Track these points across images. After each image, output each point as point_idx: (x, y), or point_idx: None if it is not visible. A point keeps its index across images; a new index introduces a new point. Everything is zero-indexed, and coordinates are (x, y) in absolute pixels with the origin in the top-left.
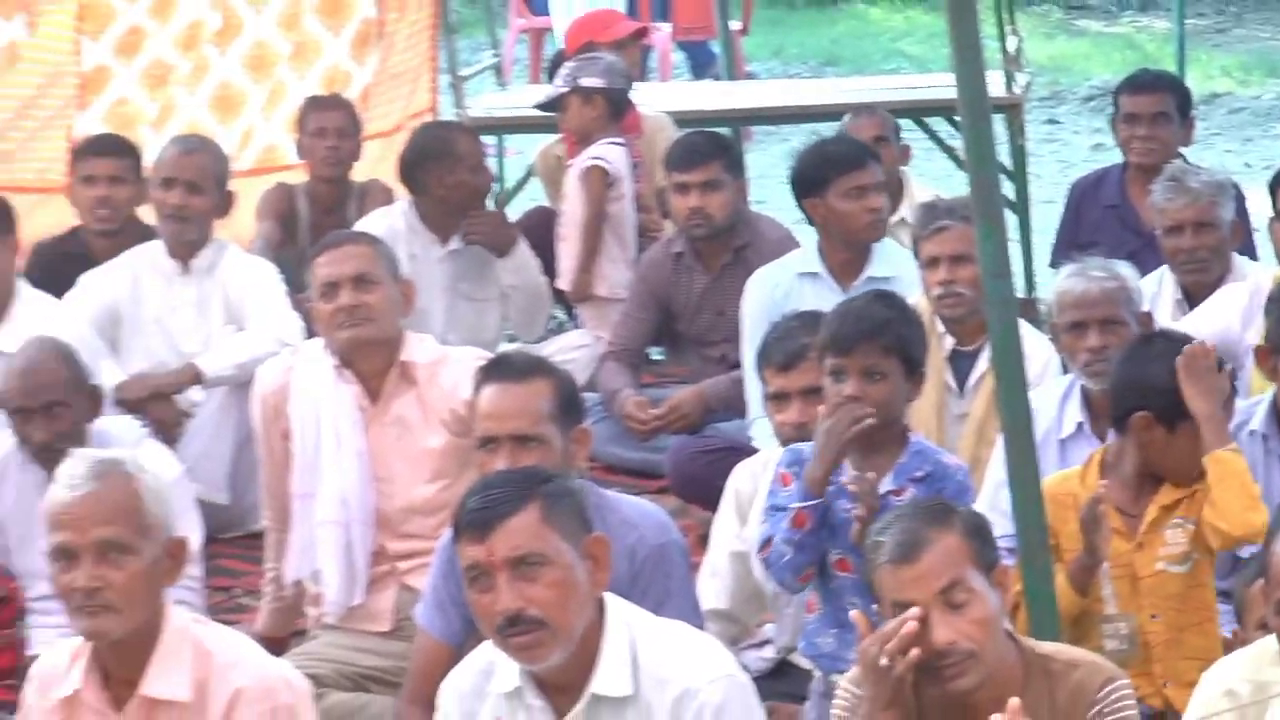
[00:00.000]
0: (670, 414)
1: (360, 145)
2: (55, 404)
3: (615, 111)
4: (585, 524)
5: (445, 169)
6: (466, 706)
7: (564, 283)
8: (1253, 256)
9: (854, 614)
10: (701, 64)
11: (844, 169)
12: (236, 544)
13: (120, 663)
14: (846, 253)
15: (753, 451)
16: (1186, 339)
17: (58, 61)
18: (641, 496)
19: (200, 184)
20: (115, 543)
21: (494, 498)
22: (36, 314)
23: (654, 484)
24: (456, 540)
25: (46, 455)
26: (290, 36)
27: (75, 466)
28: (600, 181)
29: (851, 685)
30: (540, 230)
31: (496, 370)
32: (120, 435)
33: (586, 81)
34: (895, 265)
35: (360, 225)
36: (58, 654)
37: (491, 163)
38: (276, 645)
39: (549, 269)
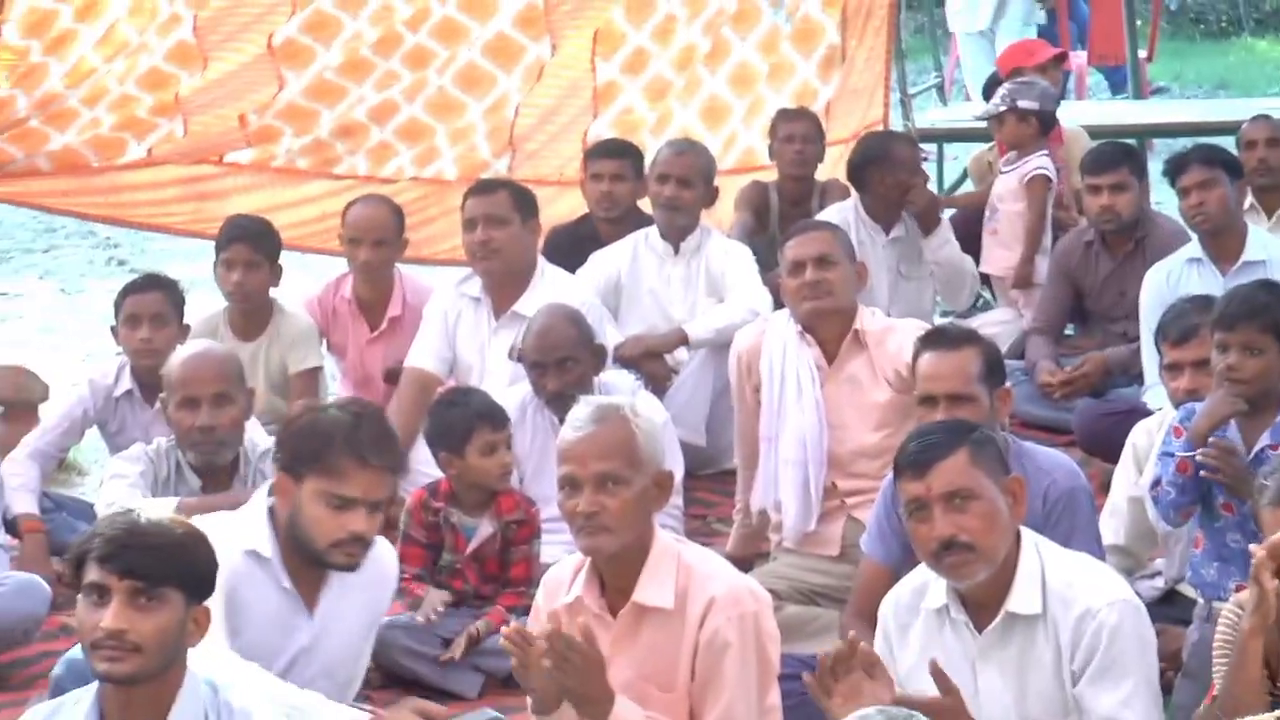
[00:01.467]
0: (1079, 378)
1: (823, 150)
2: (566, 359)
3: (1045, 128)
4: (1005, 467)
5: (885, 170)
6: (902, 619)
7: (990, 268)
8: None
9: (1253, 546)
10: (1116, 84)
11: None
12: (711, 479)
13: (615, 574)
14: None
15: (1149, 413)
16: None
17: (575, 77)
18: (1054, 449)
19: (690, 179)
20: (611, 475)
21: (930, 443)
22: (553, 285)
23: (1063, 439)
24: (898, 479)
25: (557, 402)
26: (768, 59)
27: (581, 411)
28: (1044, 189)
29: (1236, 607)
30: (969, 224)
31: (935, 339)
32: (619, 386)
33: (1024, 103)
34: (1265, 249)
35: (820, 217)
36: (563, 567)
37: (932, 166)
38: (743, 565)
39: (976, 256)
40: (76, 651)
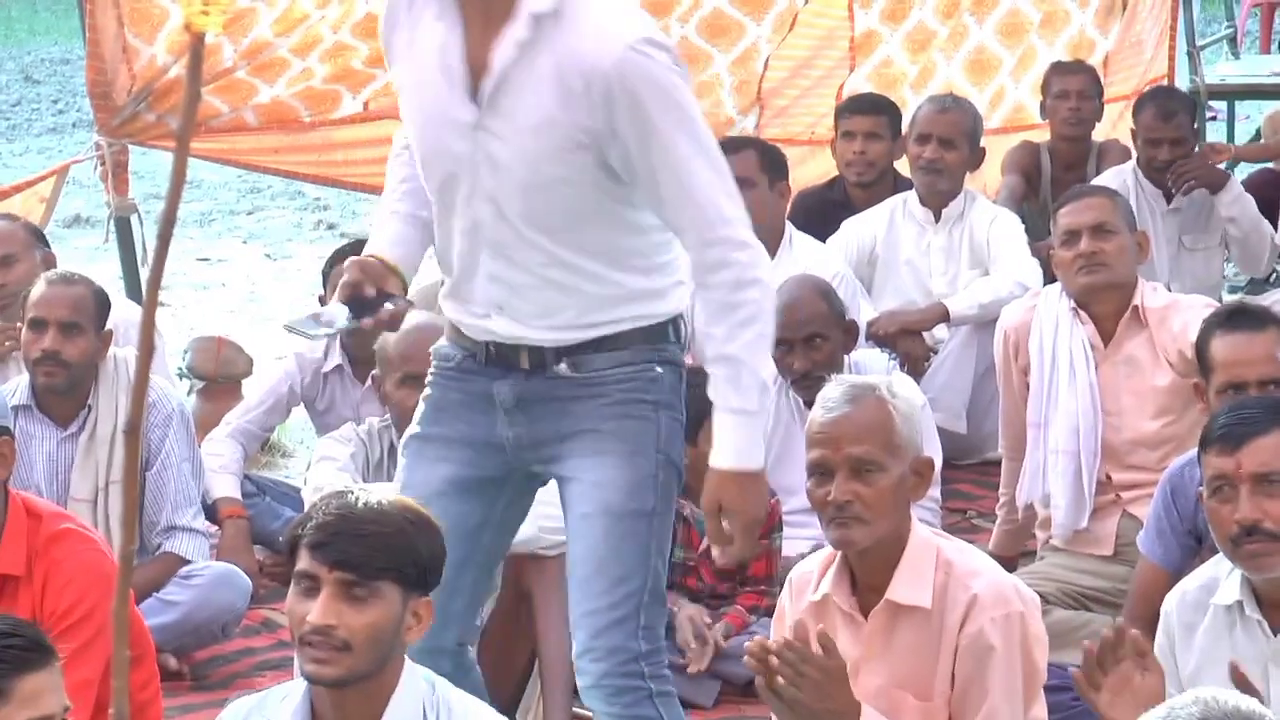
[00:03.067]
0: None
1: (1101, 107)
2: (815, 336)
3: None
4: None
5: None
6: (1187, 617)
7: None
8: None
9: None
10: None
11: None
12: (972, 470)
13: (868, 570)
14: None
15: None
16: None
17: (831, 26)
18: None
19: (953, 140)
20: (866, 460)
21: (1247, 417)
22: (801, 254)
23: None
24: (1204, 451)
25: (804, 383)
26: (1041, 6)
27: (833, 391)
28: None
29: None
30: (1267, 189)
31: (1235, 320)
32: (872, 366)
33: None
34: None
35: (1096, 182)
36: (811, 562)
37: (1221, 126)
38: (1006, 564)
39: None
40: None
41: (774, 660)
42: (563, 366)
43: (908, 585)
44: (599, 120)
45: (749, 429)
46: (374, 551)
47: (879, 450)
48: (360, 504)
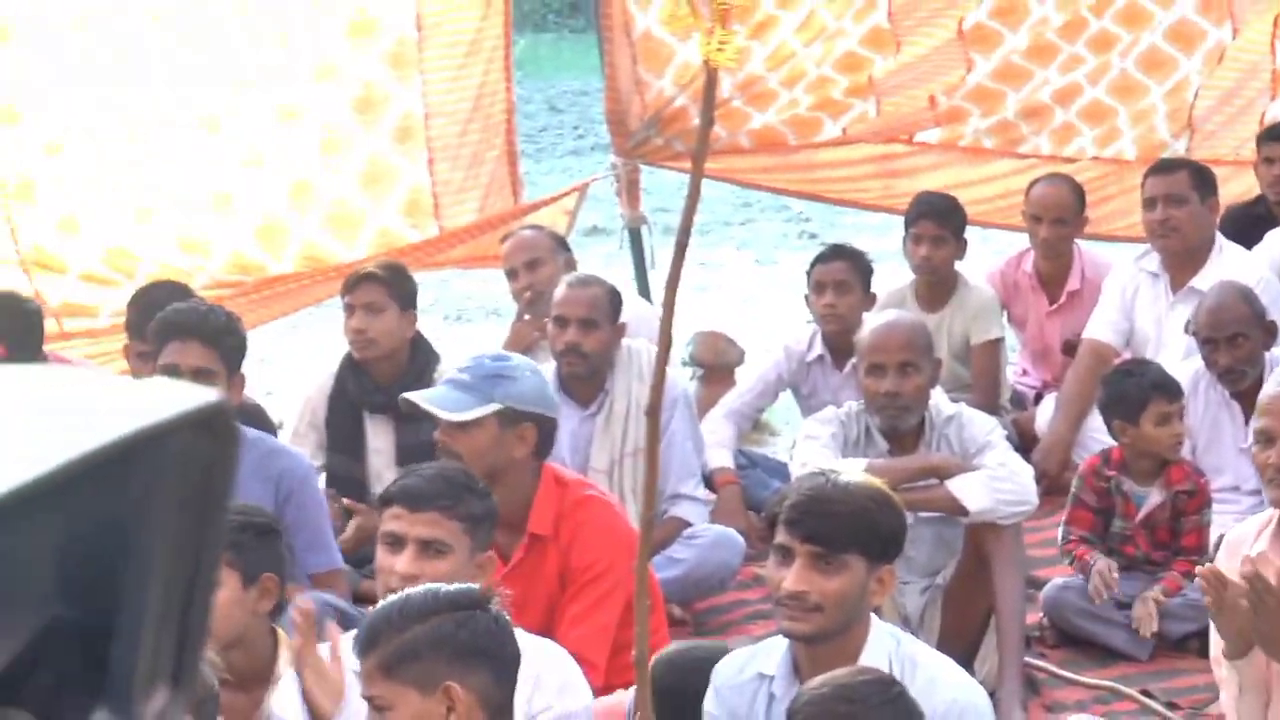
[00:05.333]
0: None
1: None
2: (1238, 335)
3: None
4: None
5: None
6: None
7: None
8: None
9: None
10: None
11: None
12: None
13: None
14: None
15: None
16: None
17: (1255, 60)
18: None
19: None
20: None
21: None
22: (1229, 262)
23: None
24: None
25: (1228, 377)
26: None
27: None
28: None
29: None
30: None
31: None
32: None
33: None
34: None
35: None
36: (1246, 525)
37: None
38: None
39: None
40: None
41: (1236, 586)
42: None
43: None
44: None
45: None
46: (840, 529)
47: None
48: (829, 485)
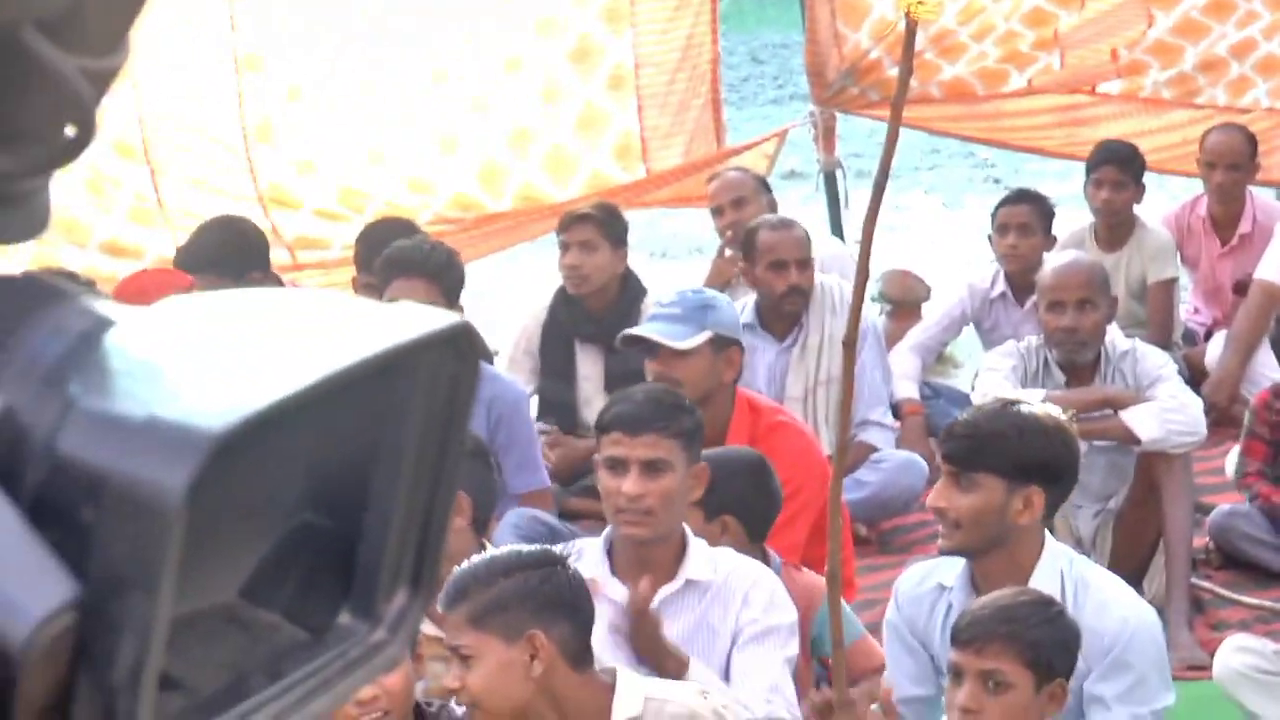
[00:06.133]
0: None
1: None
2: None
3: None
4: None
5: None
6: None
7: None
8: None
9: None
10: None
11: None
12: None
13: None
14: None
15: None
16: None
17: None
18: None
19: None
20: None
21: None
22: None
23: None
24: None
25: None
26: None
27: None
28: None
29: None
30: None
31: None
32: None
33: None
34: None
35: None
36: None
37: None
38: None
39: None
40: None
41: None
42: None
43: None
44: None
45: None
46: (971, 449)
47: None
48: (981, 411)
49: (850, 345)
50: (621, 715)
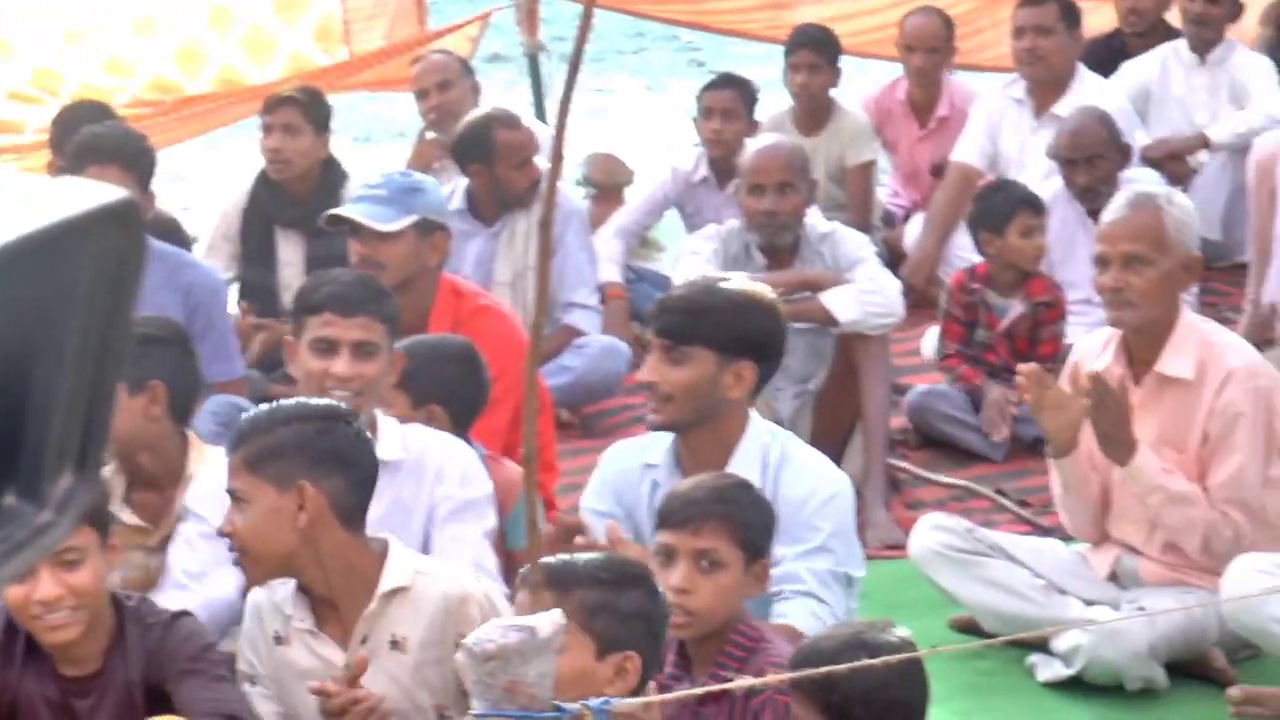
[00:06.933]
0: None
1: None
2: (1095, 156)
3: None
4: None
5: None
6: None
7: None
8: None
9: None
10: None
11: None
12: (1224, 271)
13: (1141, 346)
14: None
15: None
16: None
17: None
18: None
19: None
20: (1137, 255)
21: None
22: (1090, 90)
23: None
24: None
25: (1086, 196)
26: None
27: (1120, 198)
28: None
29: None
30: None
31: None
32: (1143, 182)
33: None
34: None
35: None
36: (1095, 337)
37: None
38: None
39: None
40: None
41: (1056, 388)
42: None
43: (1174, 360)
44: None
45: None
46: (683, 322)
47: (1149, 248)
48: (689, 286)
49: (546, 226)
50: (389, 584)
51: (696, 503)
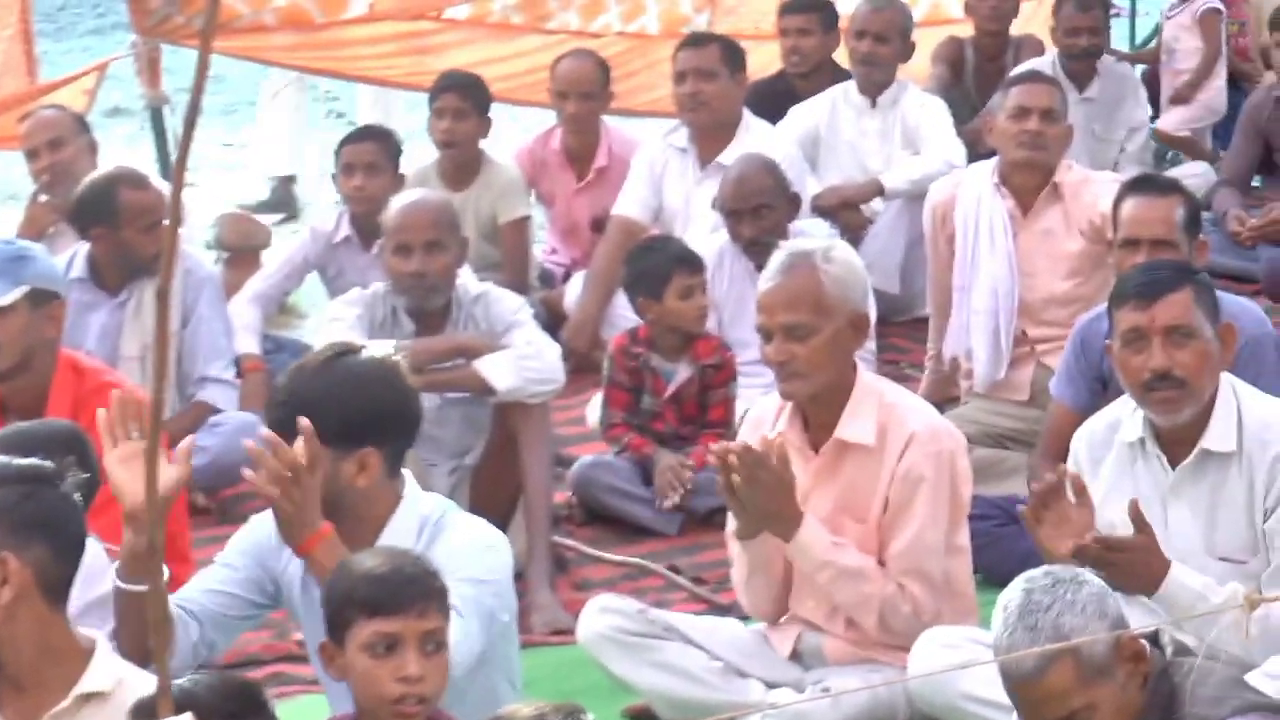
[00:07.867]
0: (1267, 225)
1: (1018, 5)
2: (762, 206)
3: None
4: (1218, 313)
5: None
6: (1095, 453)
7: (1167, 125)
8: None
9: None
10: None
11: None
12: (904, 326)
13: (818, 412)
14: None
15: None
16: None
17: None
18: (1241, 297)
19: (887, 36)
20: (797, 325)
21: (1158, 276)
22: (756, 137)
23: (1250, 288)
24: (1117, 307)
25: (753, 249)
26: None
27: (772, 262)
28: (1217, 23)
29: None
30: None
31: (1142, 185)
32: (814, 234)
33: None
34: None
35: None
36: (767, 404)
37: (1124, 24)
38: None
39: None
40: None
41: (733, 461)
42: None
43: (854, 425)
44: None
45: None
46: (288, 418)
47: (808, 314)
48: (296, 371)
49: (163, 296)
50: (89, 686)
51: (415, 582)
